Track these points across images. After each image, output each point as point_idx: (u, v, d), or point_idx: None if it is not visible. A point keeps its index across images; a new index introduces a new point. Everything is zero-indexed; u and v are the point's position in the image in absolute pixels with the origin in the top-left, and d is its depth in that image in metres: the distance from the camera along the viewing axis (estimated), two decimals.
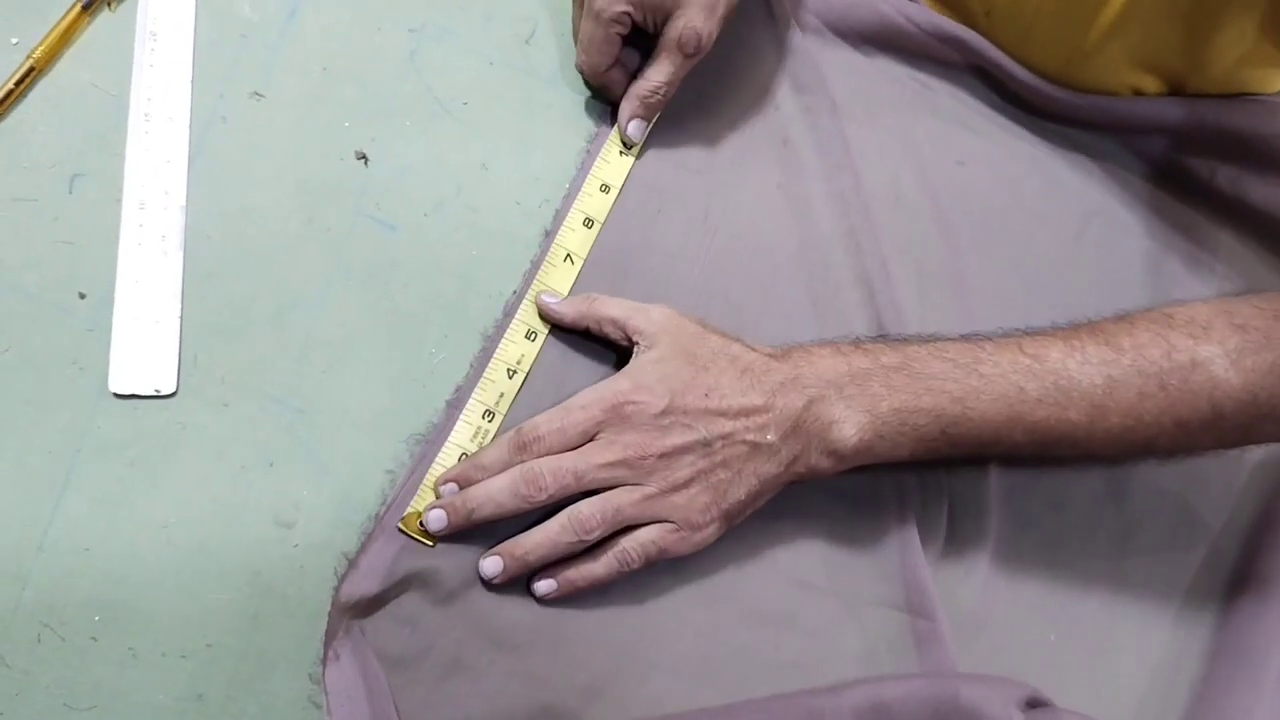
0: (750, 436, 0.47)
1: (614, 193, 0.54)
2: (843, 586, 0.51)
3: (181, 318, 0.48)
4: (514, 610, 0.48)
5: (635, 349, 0.49)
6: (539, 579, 0.47)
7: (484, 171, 0.53)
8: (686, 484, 0.47)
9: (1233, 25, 0.55)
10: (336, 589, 0.46)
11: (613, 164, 0.55)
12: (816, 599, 0.51)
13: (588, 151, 0.55)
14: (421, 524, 0.47)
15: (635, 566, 0.47)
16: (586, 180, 0.54)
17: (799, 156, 0.57)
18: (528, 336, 0.51)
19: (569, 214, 0.53)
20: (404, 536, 0.47)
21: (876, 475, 0.52)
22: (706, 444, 0.47)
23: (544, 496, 0.46)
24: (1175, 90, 0.60)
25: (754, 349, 0.49)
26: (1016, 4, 0.59)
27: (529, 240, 0.53)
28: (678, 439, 0.46)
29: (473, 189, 0.53)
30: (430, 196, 0.52)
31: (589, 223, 0.54)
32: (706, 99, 0.57)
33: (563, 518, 0.46)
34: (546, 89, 0.55)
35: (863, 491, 0.52)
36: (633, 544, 0.47)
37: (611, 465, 0.46)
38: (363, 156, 0.52)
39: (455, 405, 0.49)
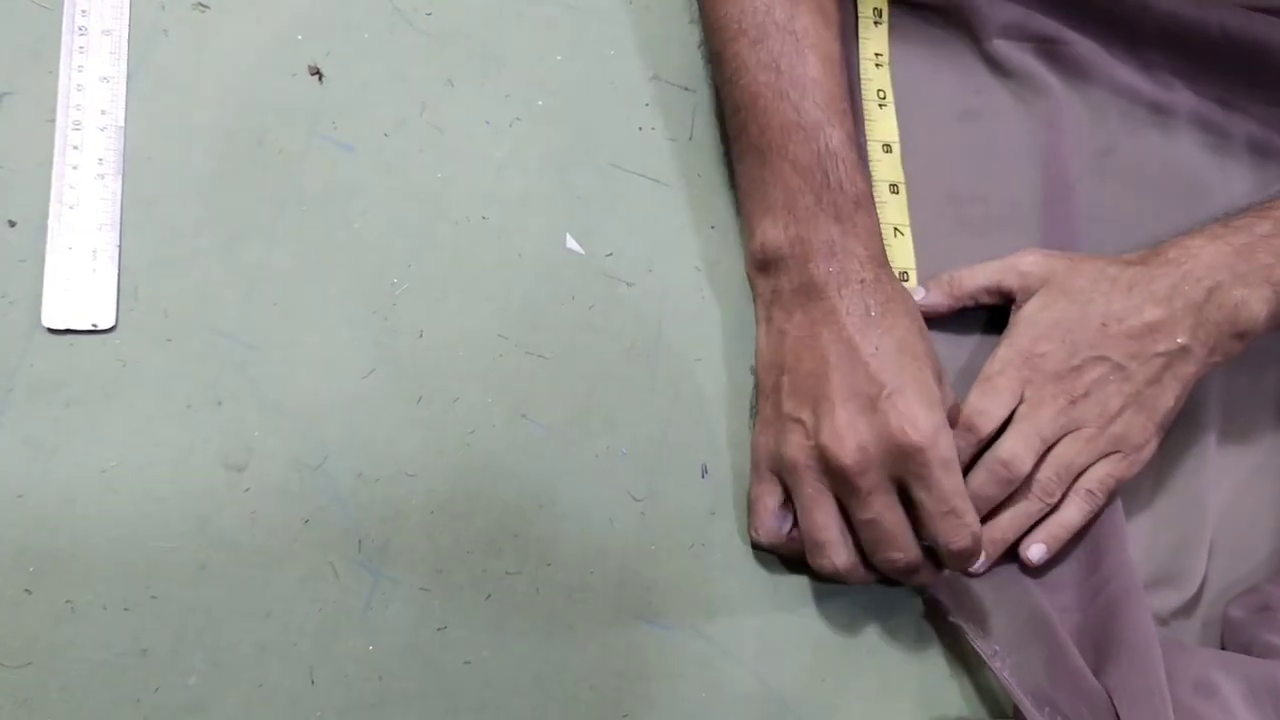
0: (1161, 348, 0.48)
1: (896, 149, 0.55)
2: None
3: (120, 247, 0.45)
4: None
5: (1015, 305, 0.50)
6: (1029, 546, 0.48)
7: (450, 88, 0.50)
8: (1120, 411, 0.48)
9: None
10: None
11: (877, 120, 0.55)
12: None
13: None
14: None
15: (1101, 503, 0.49)
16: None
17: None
18: None
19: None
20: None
21: None
22: (1122, 368, 0.48)
23: (1024, 473, 0.47)
24: None
25: (1128, 261, 0.50)
26: None
27: (498, 162, 0.49)
28: (1093, 374, 0.48)
29: (437, 107, 0.49)
30: (391, 115, 0.49)
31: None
32: None
33: (1026, 492, 0.48)
34: None
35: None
36: (1093, 484, 0.48)
37: (1054, 417, 0.48)
38: (317, 72, 0.49)
39: None
